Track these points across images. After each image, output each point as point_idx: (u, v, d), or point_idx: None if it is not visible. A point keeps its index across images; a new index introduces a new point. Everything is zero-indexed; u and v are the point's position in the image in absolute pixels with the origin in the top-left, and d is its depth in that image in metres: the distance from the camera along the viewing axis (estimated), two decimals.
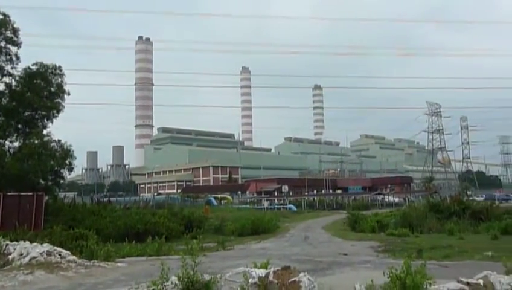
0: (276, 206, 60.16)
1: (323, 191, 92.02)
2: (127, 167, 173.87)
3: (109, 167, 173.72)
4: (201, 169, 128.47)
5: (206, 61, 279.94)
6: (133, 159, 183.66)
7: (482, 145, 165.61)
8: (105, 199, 50.66)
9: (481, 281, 6.80)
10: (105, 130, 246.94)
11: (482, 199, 61.27)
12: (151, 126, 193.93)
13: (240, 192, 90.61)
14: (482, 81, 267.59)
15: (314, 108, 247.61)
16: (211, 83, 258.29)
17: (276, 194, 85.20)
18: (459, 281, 6.82)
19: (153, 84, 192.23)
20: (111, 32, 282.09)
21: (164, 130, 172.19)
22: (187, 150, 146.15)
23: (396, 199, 71.84)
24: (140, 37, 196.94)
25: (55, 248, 13.01)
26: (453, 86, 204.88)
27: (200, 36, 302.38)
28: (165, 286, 7.32)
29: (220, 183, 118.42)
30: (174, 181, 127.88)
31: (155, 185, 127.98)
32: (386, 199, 71.34)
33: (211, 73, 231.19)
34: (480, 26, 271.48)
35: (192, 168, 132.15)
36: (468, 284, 6.71)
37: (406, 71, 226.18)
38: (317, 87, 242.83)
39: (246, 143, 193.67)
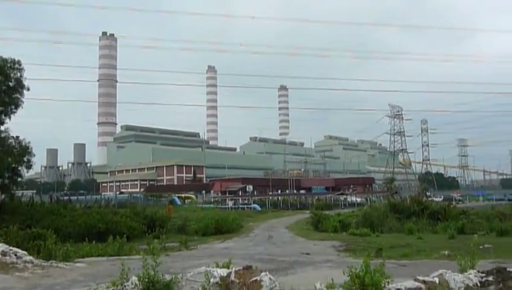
0: (240, 205, 60.21)
1: (287, 191, 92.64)
2: (88, 165, 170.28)
3: (70, 165, 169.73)
4: (165, 168, 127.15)
5: (172, 59, 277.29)
6: (95, 157, 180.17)
7: (441, 148, 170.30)
8: (65, 198, 49.53)
9: (437, 279, 6.99)
10: (67, 127, 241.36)
11: (440, 199, 63.14)
12: (115, 124, 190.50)
13: (204, 191, 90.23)
14: (441, 86, 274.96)
15: (280, 108, 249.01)
16: (176, 81, 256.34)
17: (240, 193, 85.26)
18: (416, 280, 6.99)
19: (116, 81, 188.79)
20: (74, 27, 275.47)
21: (128, 128, 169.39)
22: (151, 148, 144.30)
23: (359, 199, 73.05)
24: (104, 33, 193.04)
25: (11, 248, 12.60)
26: (414, 89, 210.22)
27: (166, 34, 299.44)
28: (125, 286, 7.22)
29: (184, 182, 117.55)
30: (137, 180, 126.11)
31: (117, 184, 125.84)
32: (349, 199, 72.43)
33: (177, 71, 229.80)
34: (438, 31, 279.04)
35: (156, 167, 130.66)
36: (424, 282, 6.89)
37: (369, 73, 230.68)
38: (282, 87, 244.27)
39: (211, 142, 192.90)
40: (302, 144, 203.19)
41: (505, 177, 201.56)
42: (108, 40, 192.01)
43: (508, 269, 7.22)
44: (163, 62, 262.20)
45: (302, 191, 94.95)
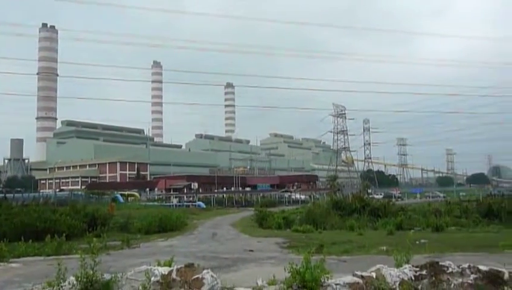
0: (185, 203, 59.77)
1: (232, 189, 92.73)
2: (26, 161, 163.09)
3: (6, 161, 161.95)
4: (107, 165, 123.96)
5: (116, 53, 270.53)
6: (33, 153, 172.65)
7: (382, 147, 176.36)
8: (1, 195, 47.25)
9: (374, 274, 7.22)
10: (3, 122, 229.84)
11: (380, 196, 65.36)
12: (55, 119, 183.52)
13: (148, 189, 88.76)
14: (383, 86, 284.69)
15: (226, 106, 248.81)
16: (120, 76, 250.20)
17: (185, 191, 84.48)
18: (354, 275, 7.19)
19: (57, 75, 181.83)
20: (11, 17, 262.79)
21: (68, 123, 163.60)
22: (93, 144, 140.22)
23: (303, 197, 74.23)
24: (44, 24, 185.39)
25: None
26: (358, 89, 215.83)
27: (110, 27, 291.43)
28: (61, 286, 6.96)
29: (128, 180, 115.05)
30: (78, 177, 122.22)
31: (57, 181, 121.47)
32: (293, 197, 73.46)
33: (121, 66, 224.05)
34: (381, 33, 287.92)
35: (98, 164, 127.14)
36: (362, 277, 7.10)
37: (314, 73, 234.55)
38: (229, 85, 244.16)
39: (155, 139, 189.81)
40: (247, 142, 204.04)
41: (441, 175, 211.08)
42: (49, 32, 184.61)
43: (440, 263, 7.56)
44: (107, 56, 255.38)
45: (248, 189, 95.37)
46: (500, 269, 7.49)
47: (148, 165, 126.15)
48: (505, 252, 13.33)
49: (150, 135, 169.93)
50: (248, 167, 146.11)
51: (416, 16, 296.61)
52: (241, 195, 75.16)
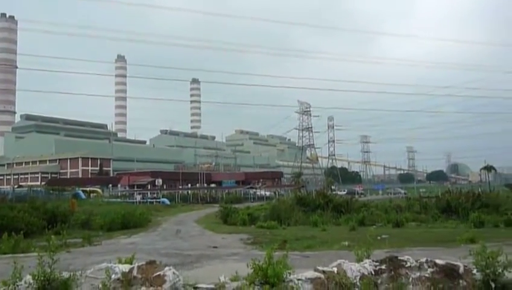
0: (149, 199, 59.07)
1: (197, 185, 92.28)
2: None
3: None
4: (69, 160, 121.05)
5: (80, 46, 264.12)
6: None
7: (346, 144, 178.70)
8: None
9: (335, 269, 7.32)
10: None
11: (344, 193, 66.37)
12: (13, 112, 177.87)
13: (111, 185, 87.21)
14: (348, 85, 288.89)
15: (192, 102, 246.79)
16: (83, 70, 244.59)
17: (149, 187, 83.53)
18: (316, 270, 7.28)
19: (16, 67, 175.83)
20: None
21: (28, 117, 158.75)
22: (53, 139, 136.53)
23: (268, 193, 74.62)
24: (3, 14, 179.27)
25: None
26: (322, 87, 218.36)
27: (74, 19, 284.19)
28: (17, 285, 6.75)
29: (90, 175, 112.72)
30: (38, 173, 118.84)
31: (16, 177, 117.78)
32: (258, 193, 73.73)
33: (84, 59, 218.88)
34: (348, 33, 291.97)
35: (59, 159, 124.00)
36: (324, 272, 7.19)
37: (282, 70, 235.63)
38: (195, 80, 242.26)
39: (119, 134, 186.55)
40: (213, 138, 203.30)
41: (402, 172, 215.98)
42: (8, 23, 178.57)
43: (399, 258, 7.73)
44: (69, 49, 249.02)
45: (213, 185, 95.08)
46: (456, 263, 7.72)
47: (111, 161, 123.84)
48: (462, 246, 13.75)
49: (114, 130, 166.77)
50: (213, 164, 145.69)
51: (382, 17, 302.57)
52: (206, 191, 74.89)
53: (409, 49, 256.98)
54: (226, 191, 76.28)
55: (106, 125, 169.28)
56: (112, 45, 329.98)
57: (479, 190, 43.17)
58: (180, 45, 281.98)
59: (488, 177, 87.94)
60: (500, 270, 7.40)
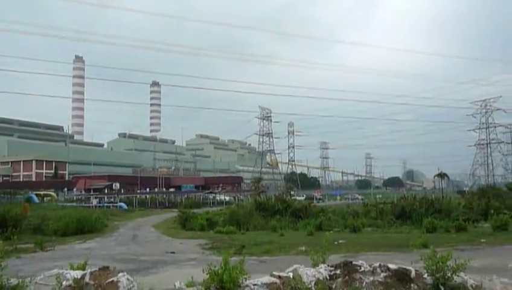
0: (105, 204, 57.88)
1: (156, 189, 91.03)
2: None
3: None
4: (22, 163, 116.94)
5: (34, 45, 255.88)
6: None
7: (306, 150, 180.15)
8: None
9: (291, 274, 7.38)
10: None
11: (303, 198, 67.03)
12: None
13: (66, 189, 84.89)
14: (308, 91, 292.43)
15: (152, 105, 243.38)
16: (38, 70, 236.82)
17: (106, 191, 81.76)
18: (272, 275, 7.31)
19: None
20: None
21: None
22: (6, 141, 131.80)
23: (227, 198, 74.45)
24: None
25: None
26: (283, 93, 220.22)
27: (30, 18, 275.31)
28: None
29: (44, 179, 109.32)
30: None
31: None
32: (218, 198, 73.48)
33: (39, 59, 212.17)
34: (308, 40, 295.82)
35: (12, 162, 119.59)
36: (279, 277, 7.23)
37: (242, 75, 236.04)
38: (155, 83, 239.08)
39: (76, 137, 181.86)
40: (173, 142, 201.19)
41: (360, 178, 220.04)
42: None
43: (353, 263, 7.87)
44: (23, 48, 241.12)
45: (172, 190, 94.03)
46: (407, 268, 7.93)
47: (67, 164, 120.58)
48: (414, 251, 14.11)
49: (70, 132, 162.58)
50: (173, 168, 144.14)
51: (341, 25, 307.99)
52: (164, 196, 74.03)
53: (367, 57, 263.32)
54: (185, 195, 75.66)
55: (62, 127, 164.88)
56: (70, 45, 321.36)
57: (433, 196, 44.40)
58: (141, 47, 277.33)
59: (441, 183, 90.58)
60: (449, 274, 7.65)
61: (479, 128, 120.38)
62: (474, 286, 8.02)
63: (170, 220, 36.06)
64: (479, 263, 11.54)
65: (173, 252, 16.71)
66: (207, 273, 6.98)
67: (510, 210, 33.02)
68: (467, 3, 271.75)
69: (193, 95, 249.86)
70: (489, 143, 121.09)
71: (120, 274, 6.76)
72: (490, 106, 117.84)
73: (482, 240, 19.15)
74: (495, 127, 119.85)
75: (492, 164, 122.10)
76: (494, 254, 14.86)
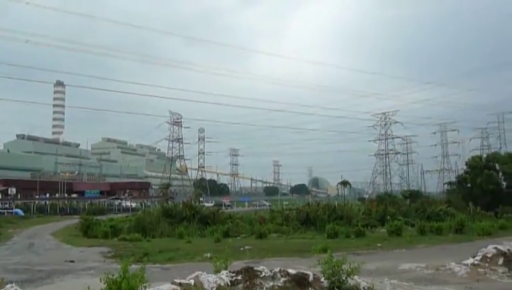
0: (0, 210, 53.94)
1: (57, 195, 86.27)
2: None
3: None
4: None
5: None
6: None
7: (216, 156, 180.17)
8: None
9: (192, 281, 7.37)
10: None
11: (211, 205, 66.98)
12: None
13: None
14: (219, 98, 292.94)
15: (55, 105, 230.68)
16: None
17: (1, 197, 76.08)
18: (173, 283, 7.25)
19: None
20: None
21: None
22: None
23: (134, 204, 72.62)
24: None
25: None
26: (195, 98, 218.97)
27: None
28: None
29: None
30: None
31: None
32: (124, 204, 71.44)
33: None
34: (222, 47, 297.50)
35: None
36: (180, 284, 7.19)
37: (153, 79, 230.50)
38: (59, 83, 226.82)
39: None
40: (77, 145, 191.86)
41: (268, 185, 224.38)
42: None
43: (255, 268, 8.02)
44: None
45: (74, 195, 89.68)
46: (306, 272, 8.24)
47: None
48: (315, 256, 14.65)
49: None
50: (76, 172, 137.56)
51: (255, 35, 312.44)
52: (66, 202, 70.50)
53: (279, 68, 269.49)
54: (89, 201, 72.57)
55: None
56: None
57: (335, 203, 46.45)
58: (44, 44, 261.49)
59: (344, 191, 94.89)
60: (344, 278, 8.05)
61: (379, 139, 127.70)
62: (366, 287, 8.52)
63: (71, 228, 34.45)
64: (373, 266, 12.29)
65: (72, 261, 15.95)
66: (105, 283, 6.76)
67: (404, 216, 35.53)
68: (371, 23, 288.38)
69: (101, 97, 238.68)
70: (388, 153, 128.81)
71: (8, 286, 6.35)
72: (389, 118, 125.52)
73: (378, 245, 20.35)
74: (393, 138, 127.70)
75: (390, 173, 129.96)
76: (387, 257, 15.84)
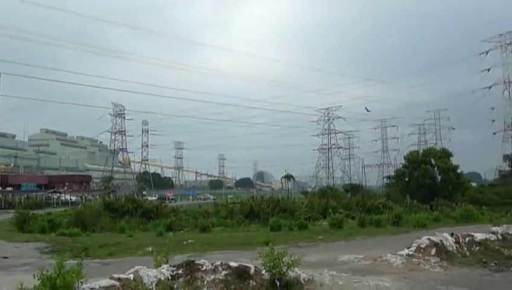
0: None
1: None
2: None
3: None
4: None
5: None
6: None
7: (160, 149, 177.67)
8: None
9: (132, 276, 7.25)
10: None
11: (155, 198, 66.18)
12: None
13: None
14: (165, 90, 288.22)
15: None
16: None
17: None
18: (112, 278, 7.11)
19: None
20: None
21: None
22: None
23: (74, 198, 70.70)
24: None
25: None
26: (139, 90, 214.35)
27: None
28: None
29: None
30: None
31: None
32: (63, 198, 69.40)
33: None
34: (168, 39, 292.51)
35: None
36: (119, 279, 7.05)
37: (95, 69, 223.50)
38: None
39: None
40: (13, 136, 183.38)
41: (213, 178, 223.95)
42: None
43: (196, 262, 8.00)
44: None
45: (9, 189, 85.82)
46: (247, 265, 8.30)
47: None
48: (257, 249, 14.79)
49: None
50: (12, 165, 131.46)
51: (203, 28, 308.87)
52: (0, 196, 67.40)
53: (227, 61, 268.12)
54: (25, 195, 69.72)
55: None
56: None
57: (279, 196, 47.06)
58: None
59: (288, 185, 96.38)
60: (284, 270, 8.18)
61: (322, 134, 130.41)
62: (306, 279, 8.70)
63: (6, 222, 32.92)
64: (313, 258, 12.57)
65: (6, 257, 15.27)
66: (39, 279, 6.52)
67: (346, 209, 36.49)
68: (318, 20, 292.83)
69: (39, 86, 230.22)
70: (330, 148, 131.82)
71: None
72: (332, 114, 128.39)
73: (319, 237, 20.79)
74: (336, 133, 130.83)
75: (332, 167, 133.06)
76: (328, 249, 16.24)
